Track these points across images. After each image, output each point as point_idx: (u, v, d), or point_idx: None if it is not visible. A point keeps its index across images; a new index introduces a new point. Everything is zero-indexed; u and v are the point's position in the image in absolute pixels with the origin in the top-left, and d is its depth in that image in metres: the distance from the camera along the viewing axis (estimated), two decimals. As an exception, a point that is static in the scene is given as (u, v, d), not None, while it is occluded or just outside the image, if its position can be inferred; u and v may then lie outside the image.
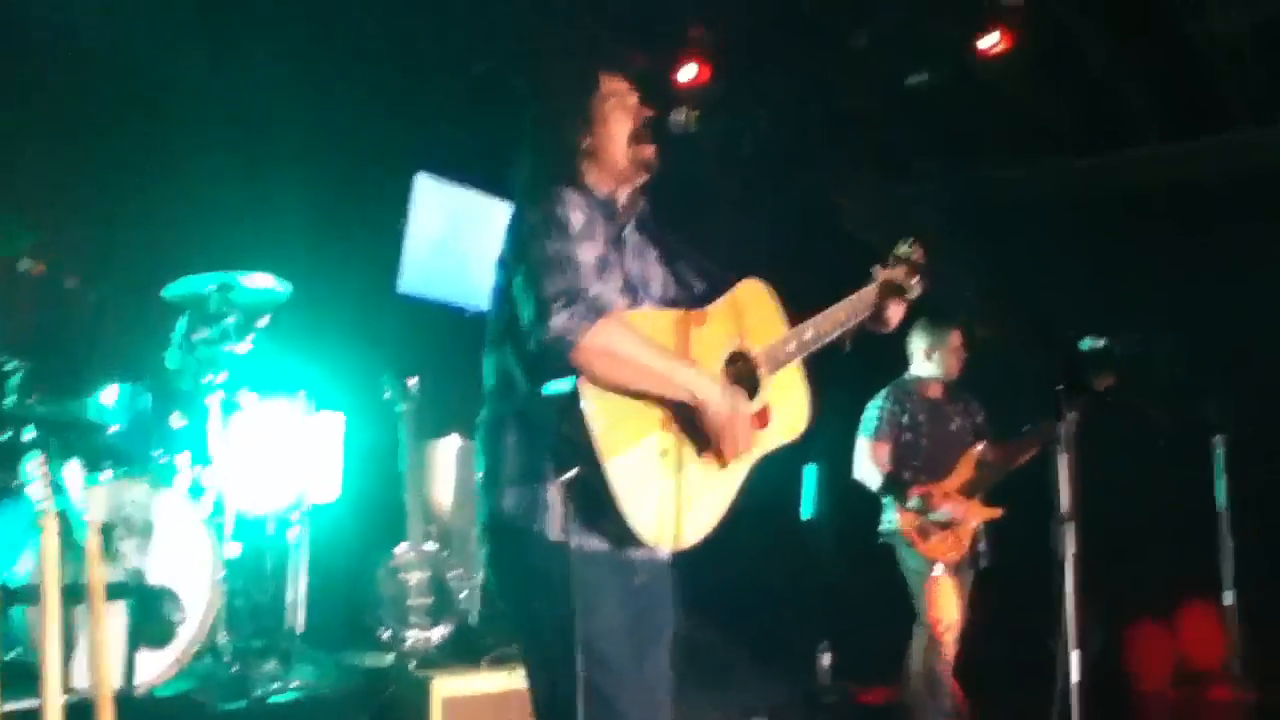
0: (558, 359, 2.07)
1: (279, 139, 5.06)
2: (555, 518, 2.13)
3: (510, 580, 2.27)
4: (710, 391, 2.16)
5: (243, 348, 4.06)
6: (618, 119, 2.34)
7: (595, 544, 2.15)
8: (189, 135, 4.70)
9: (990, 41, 5.32)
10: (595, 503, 2.08)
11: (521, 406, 2.18)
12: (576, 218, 2.19)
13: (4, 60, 3.91)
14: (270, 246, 4.58)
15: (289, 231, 4.89)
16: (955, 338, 4.91)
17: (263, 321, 4.16)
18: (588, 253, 2.17)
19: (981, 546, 4.82)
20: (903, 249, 2.66)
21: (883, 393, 4.98)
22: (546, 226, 2.17)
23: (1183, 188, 6.26)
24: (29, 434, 3.38)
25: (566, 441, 2.06)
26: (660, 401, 2.15)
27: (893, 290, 2.57)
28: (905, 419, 4.90)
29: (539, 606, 2.16)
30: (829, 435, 5.07)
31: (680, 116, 2.34)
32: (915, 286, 2.64)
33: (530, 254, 2.16)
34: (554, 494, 2.13)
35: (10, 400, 3.43)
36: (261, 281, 4.08)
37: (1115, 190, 6.52)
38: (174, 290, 4.02)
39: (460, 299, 5.72)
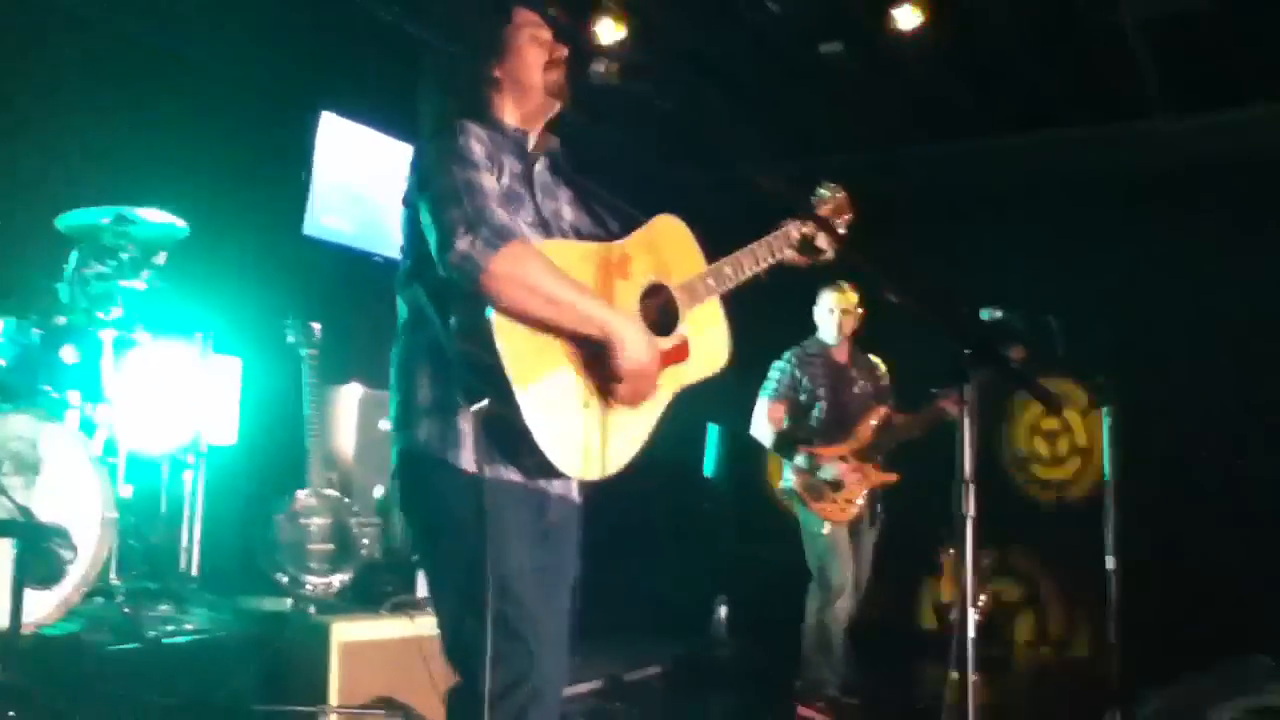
0: (466, 287, 2.05)
1: (181, 71, 4.88)
2: (468, 448, 2.11)
3: (423, 512, 2.24)
4: (624, 332, 2.14)
5: (138, 284, 3.94)
6: (531, 50, 2.32)
7: (510, 475, 2.14)
8: (85, 63, 4.50)
9: (905, 16, 5.38)
10: (509, 434, 2.07)
11: (433, 339, 2.16)
12: (479, 148, 2.17)
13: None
14: (169, 182, 4.43)
15: (190, 168, 4.72)
16: (852, 298, 5.00)
17: (160, 258, 4.03)
18: (490, 181, 2.14)
19: (878, 510, 4.96)
20: (824, 189, 2.65)
21: (786, 354, 5.06)
22: (448, 156, 2.14)
23: (1081, 173, 6.50)
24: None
25: (478, 371, 2.05)
26: (572, 335, 2.13)
27: (815, 225, 2.52)
28: (805, 381, 4.99)
29: (451, 538, 2.13)
30: (733, 394, 5.17)
31: (601, 67, 2.32)
32: (840, 224, 2.63)
33: (432, 184, 2.13)
34: (466, 424, 2.11)
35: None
36: (159, 216, 3.95)
37: (1014, 173, 6.72)
38: (67, 221, 3.87)
39: (367, 245, 5.62)
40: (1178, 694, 3.95)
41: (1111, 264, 6.24)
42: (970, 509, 2.21)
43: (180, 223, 4.01)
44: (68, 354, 3.69)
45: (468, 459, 2.11)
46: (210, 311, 4.51)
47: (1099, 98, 6.04)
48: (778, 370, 5.03)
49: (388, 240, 5.53)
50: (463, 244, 2.03)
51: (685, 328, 2.31)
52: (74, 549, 3.16)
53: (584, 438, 2.13)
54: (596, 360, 2.15)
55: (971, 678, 2.10)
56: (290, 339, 4.22)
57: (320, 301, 4.70)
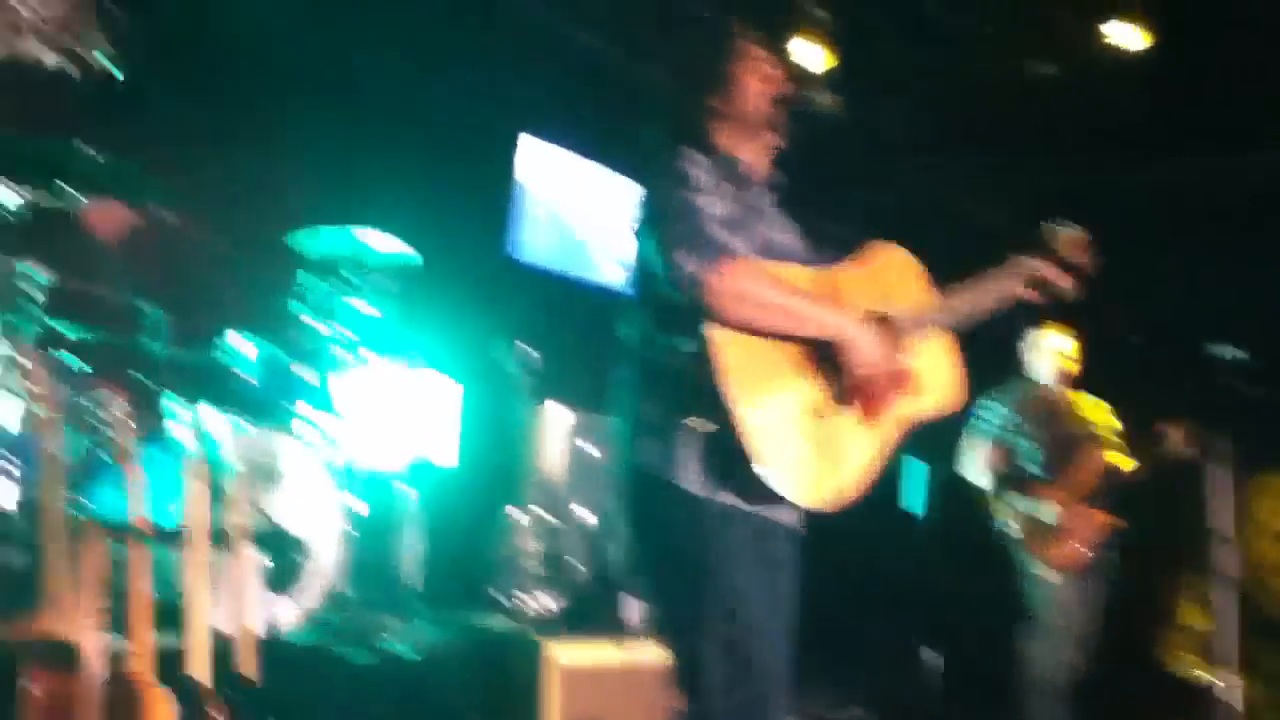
0: (690, 303, 2.05)
1: (409, 103, 5.10)
2: (692, 469, 2.10)
3: (648, 534, 2.25)
4: (856, 330, 2.11)
5: (371, 310, 4.12)
6: (754, 83, 2.31)
7: (734, 499, 2.12)
8: (321, 94, 4.76)
9: (1121, 33, 5.11)
10: (733, 456, 2.04)
11: (656, 361, 2.16)
12: (701, 175, 2.18)
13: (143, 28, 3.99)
14: (395, 208, 4.63)
15: (413, 194, 4.93)
16: (1073, 345, 4.80)
17: (391, 284, 4.22)
18: (713, 205, 2.14)
19: (1109, 557, 4.69)
20: (1063, 226, 2.51)
21: (995, 392, 4.87)
22: (672, 182, 2.16)
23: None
24: (171, 382, 3.48)
25: (698, 391, 2.04)
26: (800, 347, 2.10)
27: (1050, 265, 2.43)
28: (1021, 422, 4.79)
29: (677, 560, 2.13)
30: (943, 428, 4.99)
31: (825, 98, 2.32)
32: (1075, 264, 2.49)
33: (657, 209, 2.16)
34: (689, 445, 2.10)
35: (152, 347, 3.52)
36: (393, 245, 4.13)
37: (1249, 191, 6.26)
38: (309, 248, 4.09)
39: (573, 269, 5.73)
40: None
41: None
42: (1232, 569, 2.03)
43: (412, 251, 4.18)
44: (309, 374, 3.90)
45: (693, 480, 2.10)
46: (431, 335, 4.68)
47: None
48: (989, 410, 4.84)
49: (592, 263, 5.65)
50: (681, 259, 2.05)
51: (911, 360, 2.23)
52: (314, 559, 3.32)
53: (810, 462, 2.08)
54: (829, 367, 2.12)
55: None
56: (504, 363, 4.34)
57: (531, 325, 4.81)
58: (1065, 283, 2.49)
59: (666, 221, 2.12)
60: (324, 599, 3.43)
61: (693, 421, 2.06)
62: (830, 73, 5.22)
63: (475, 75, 5.31)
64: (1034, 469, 4.73)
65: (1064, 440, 4.79)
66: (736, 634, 2.06)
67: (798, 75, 2.40)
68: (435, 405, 4.68)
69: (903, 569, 6.45)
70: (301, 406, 3.88)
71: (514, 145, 5.55)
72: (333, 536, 3.47)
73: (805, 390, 2.10)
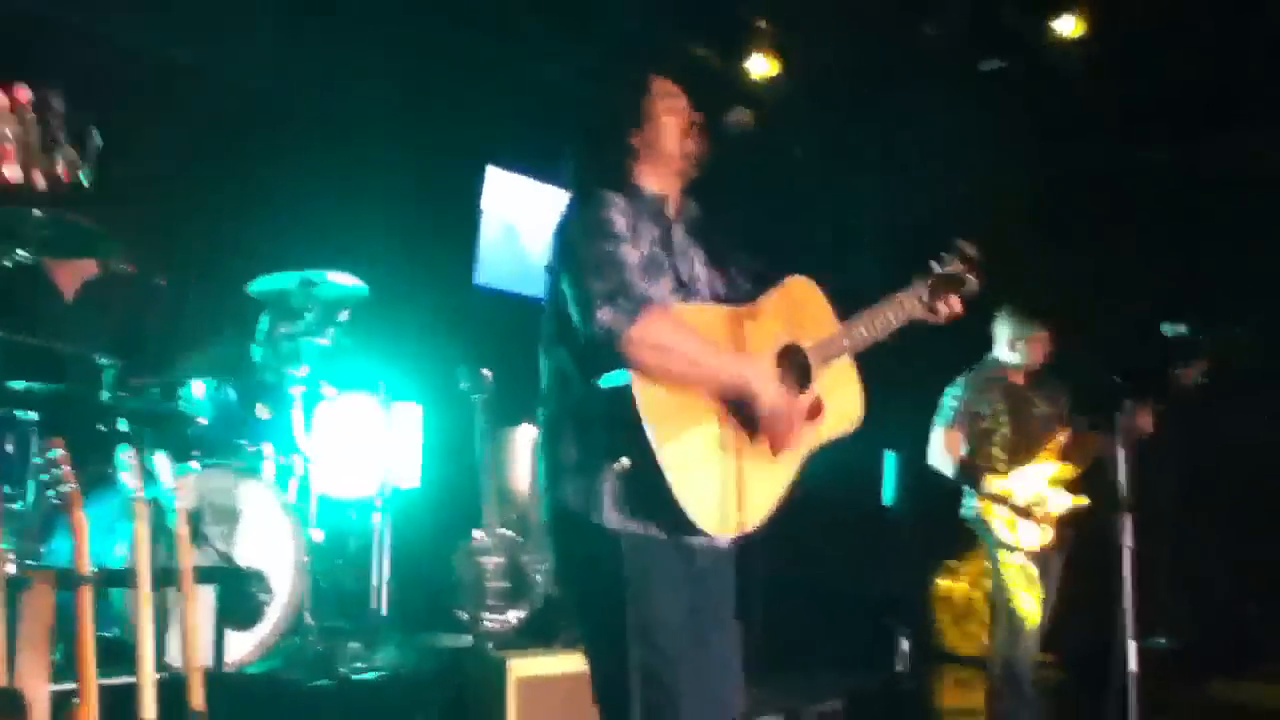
0: (608, 355, 2.13)
1: (355, 138, 5.19)
2: (610, 508, 2.18)
3: (571, 570, 2.34)
4: (763, 383, 2.21)
5: (323, 341, 4.19)
6: (668, 119, 2.39)
7: (653, 531, 2.20)
8: (268, 142, 4.85)
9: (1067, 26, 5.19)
10: (651, 492, 2.14)
11: (577, 403, 2.24)
12: (620, 220, 2.25)
13: (93, 75, 4.07)
14: (351, 244, 4.72)
15: (368, 229, 5.02)
16: (1041, 330, 4.84)
17: (343, 316, 4.29)
18: (631, 254, 2.22)
19: (1069, 535, 4.76)
20: (956, 245, 2.61)
21: (959, 380, 4.92)
22: (590, 229, 2.24)
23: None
24: (123, 426, 3.57)
25: (620, 432, 2.13)
26: (712, 392, 2.20)
27: (946, 286, 2.52)
28: (984, 406, 4.84)
29: (597, 594, 2.22)
30: (910, 421, 5.07)
31: (738, 116, 2.39)
32: (972, 282, 2.58)
33: (576, 256, 2.23)
34: (609, 484, 2.18)
35: (105, 395, 3.61)
36: (342, 279, 4.21)
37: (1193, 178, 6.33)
38: (259, 286, 4.17)
39: (534, 290, 5.79)
40: None
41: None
42: (1129, 540, 2.12)
43: (360, 283, 4.25)
44: (262, 411, 3.98)
45: (611, 517, 2.18)
46: (391, 363, 4.75)
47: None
48: (951, 397, 4.90)
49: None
50: (604, 315, 2.12)
51: (819, 386, 2.35)
52: (271, 592, 3.40)
53: (723, 493, 2.19)
54: (737, 414, 2.21)
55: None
56: (463, 386, 4.42)
57: (493, 348, 4.88)
58: (973, 281, 2.56)
59: (585, 273, 2.19)
60: (285, 629, 3.50)
61: (615, 462, 2.15)
62: (770, 79, 5.33)
63: (437, 111, 5.40)
64: (997, 451, 4.79)
65: (1026, 422, 4.86)
66: (654, 661, 2.13)
67: (719, 103, 2.47)
68: (399, 431, 4.77)
69: (876, 558, 6.53)
70: (258, 444, 3.96)
71: (480, 177, 5.63)
72: (291, 568, 3.54)
73: (718, 429, 2.21)
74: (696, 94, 2.43)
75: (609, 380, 2.15)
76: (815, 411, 2.33)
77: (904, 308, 2.48)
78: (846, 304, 2.49)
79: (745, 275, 2.48)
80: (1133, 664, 2.04)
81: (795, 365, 2.35)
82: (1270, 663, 5.51)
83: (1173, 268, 6.09)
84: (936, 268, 2.54)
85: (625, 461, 2.13)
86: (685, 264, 2.40)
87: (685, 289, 2.35)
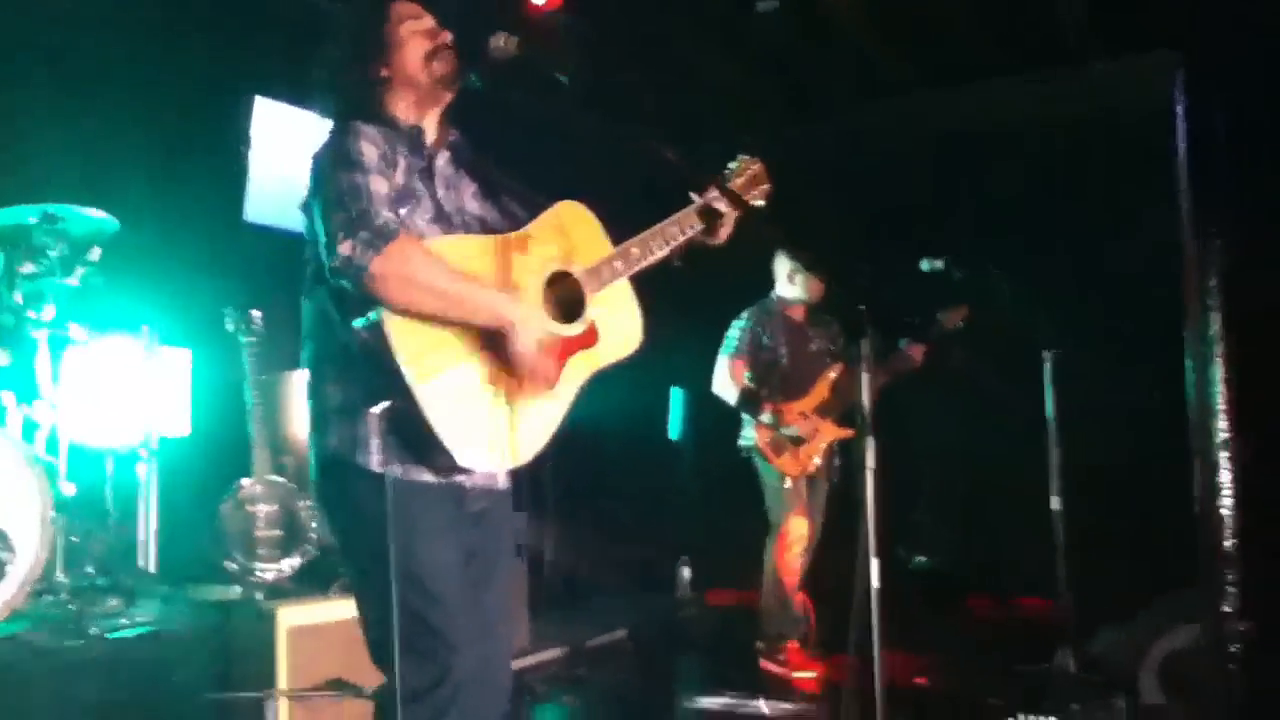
0: (352, 288, 2.07)
1: (106, 65, 4.81)
2: (374, 450, 2.13)
3: (337, 515, 2.29)
4: (513, 317, 2.16)
5: (72, 282, 3.92)
6: (413, 43, 2.32)
7: (420, 474, 2.17)
8: (4, 61, 4.44)
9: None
10: (414, 432, 2.10)
11: (339, 342, 2.17)
12: (368, 150, 2.18)
13: None
14: (102, 178, 4.40)
15: (123, 163, 4.67)
16: (814, 262, 5.02)
17: (94, 255, 4.01)
18: (379, 184, 2.15)
19: (835, 463, 5.03)
20: (736, 161, 2.62)
21: (745, 313, 5.11)
22: (338, 160, 2.16)
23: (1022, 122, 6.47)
24: None
25: (378, 373, 2.07)
26: (469, 327, 2.15)
27: (727, 201, 2.48)
28: (765, 338, 5.04)
29: (363, 539, 2.16)
30: (695, 355, 5.20)
31: (501, 42, 2.32)
32: (757, 195, 2.59)
33: (321, 191, 2.15)
34: (373, 426, 2.13)
35: None
36: (89, 212, 3.93)
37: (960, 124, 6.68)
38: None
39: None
40: (1125, 630, 4.03)
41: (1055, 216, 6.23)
42: (871, 461, 2.25)
43: (109, 217, 3.98)
44: (3, 358, 3.69)
45: (375, 460, 2.14)
46: (155, 305, 4.49)
47: (1033, 43, 5.99)
48: (737, 329, 5.08)
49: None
50: (344, 248, 2.05)
51: (593, 312, 2.33)
52: (12, 550, 3.19)
53: (490, 429, 2.16)
54: (495, 349, 2.17)
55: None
56: (230, 327, 4.23)
57: (265, 288, 4.68)
58: (757, 195, 2.57)
59: (328, 205, 2.11)
60: (31, 589, 3.29)
61: (372, 405, 2.09)
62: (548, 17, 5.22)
63: (199, 38, 5.06)
64: (775, 382, 4.99)
65: (803, 356, 5.08)
66: (424, 606, 2.11)
67: (485, 25, 2.38)
68: (164, 376, 4.53)
69: (658, 490, 6.71)
70: (-1, 391, 3.69)
71: (247, 108, 5.33)
72: (36, 523, 3.33)
73: (480, 363, 2.17)
74: (443, 12, 2.35)
75: (364, 320, 2.08)
76: (590, 338, 2.32)
77: (680, 227, 2.47)
78: (624, 230, 2.44)
79: (520, 203, 2.43)
80: (875, 580, 2.16)
81: (566, 292, 2.33)
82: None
83: (937, 212, 6.45)
84: (718, 183, 2.50)
85: (384, 404, 2.08)
86: (450, 193, 2.34)
87: (448, 220, 2.30)
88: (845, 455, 5.06)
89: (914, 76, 6.34)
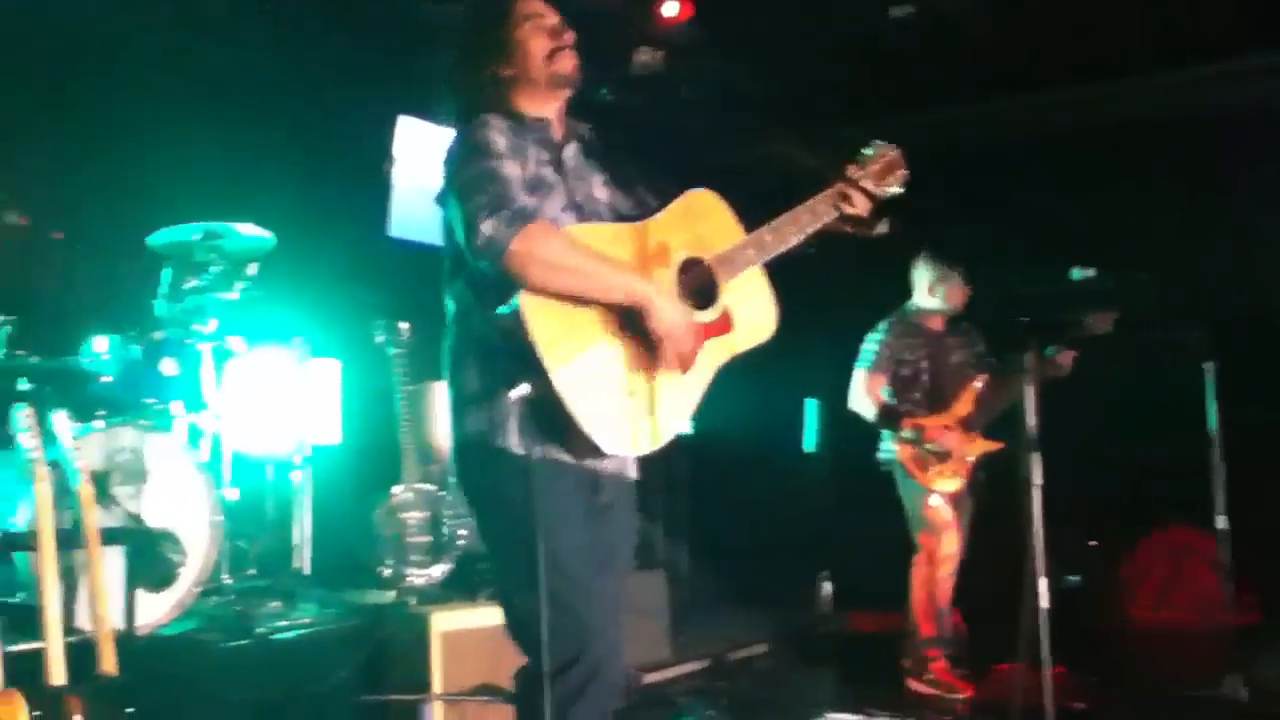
0: (492, 268, 2.09)
1: (261, 88, 5.02)
2: (514, 433, 2.16)
3: (478, 498, 2.32)
4: (658, 298, 2.16)
5: (232, 296, 4.08)
6: (535, 42, 2.34)
7: (559, 455, 2.18)
8: (167, 87, 4.66)
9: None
10: (552, 416, 2.11)
11: (478, 330, 2.21)
12: (498, 139, 2.21)
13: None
14: (258, 195, 4.58)
15: (277, 181, 4.87)
16: (959, 274, 4.90)
17: (251, 269, 4.17)
18: (512, 169, 2.18)
19: (981, 478, 4.86)
20: (872, 148, 2.55)
21: (881, 325, 4.98)
22: (470, 150, 2.19)
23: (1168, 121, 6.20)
24: (22, 385, 3.43)
25: (516, 358, 2.09)
26: (606, 307, 2.15)
27: (860, 188, 2.45)
28: (905, 352, 4.91)
29: (505, 521, 2.19)
30: (832, 367, 5.11)
31: (646, 56, 2.33)
32: (892, 182, 2.52)
33: (457, 179, 2.18)
34: (511, 411, 2.15)
35: (1, 353, 3.47)
36: (247, 230, 4.09)
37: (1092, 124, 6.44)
38: (159, 240, 4.03)
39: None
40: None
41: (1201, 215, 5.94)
42: (1037, 476, 2.16)
43: (267, 234, 4.13)
44: (168, 367, 3.86)
45: (515, 442, 2.16)
46: (307, 317, 4.64)
47: (1177, 40, 5.74)
48: (874, 341, 4.95)
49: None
50: (486, 226, 2.08)
51: (726, 299, 2.30)
52: (184, 552, 3.32)
53: (627, 412, 2.15)
54: (633, 331, 2.17)
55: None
56: (379, 339, 4.34)
57: (410, 301, 4.79)
58: (893, 181, 2.50)
59: (467, 192, 2.14)
60: (200, 590, 3.42)
61: (512, 389, 2.11)
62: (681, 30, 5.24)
63: (346, 60, 5.24)
64: (916, 396, 4.86)
65: (944, 367, 4.93)
66: (562, 585, 2.11)
67: (634, 40, 2.40)
68: (316, 386, 4.66)
69: (795, 503, 6.60)
70: (166, 401, 3.84)
71: (390, 126, 5.50)
72: (205, 527, 3.46)
73: (618, 347, 2.16)
74: (570, 11, 2.37)
75: (506, 308, 2.10)
76: (724, 325, 2.30)
77: (815, 213, 2.43)
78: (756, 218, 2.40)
79: (651, 193, 2.43)
80: (1044, 600, 2.07)
81: (699, 279, 2.31)
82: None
83: (1084, 214, 6.21)
84: (852, 170, 2.47)
85: (523, 388, 2.09)
86: (580, 184, 2.36)
87: (580, 209, 2.31)
88: (990, 469, 4.89)
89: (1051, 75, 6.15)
